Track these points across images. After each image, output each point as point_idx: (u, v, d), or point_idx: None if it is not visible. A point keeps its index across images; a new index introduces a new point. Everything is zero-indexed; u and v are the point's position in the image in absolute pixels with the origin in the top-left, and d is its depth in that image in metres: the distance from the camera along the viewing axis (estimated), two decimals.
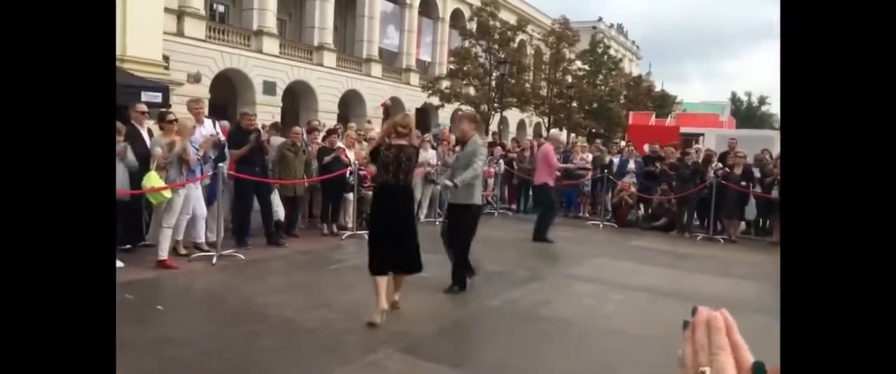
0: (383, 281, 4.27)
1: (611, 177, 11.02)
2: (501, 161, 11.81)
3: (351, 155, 8.26)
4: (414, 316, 4.52)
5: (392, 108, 28.76)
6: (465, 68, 25.08)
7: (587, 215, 11.65)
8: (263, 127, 8.07)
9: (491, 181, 11.64)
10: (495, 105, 24.74)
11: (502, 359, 3.85)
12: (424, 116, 28.76)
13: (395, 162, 4.31)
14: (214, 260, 5.93)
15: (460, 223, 5.22)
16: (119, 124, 5.59)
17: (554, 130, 9.59)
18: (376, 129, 10.50)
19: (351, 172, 7.91)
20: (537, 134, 31.13)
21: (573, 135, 29.96)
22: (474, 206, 5.25)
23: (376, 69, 28.12)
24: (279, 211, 7.28)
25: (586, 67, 31.92)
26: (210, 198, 6.34)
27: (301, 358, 3.68)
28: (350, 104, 27.18)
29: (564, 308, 5.14)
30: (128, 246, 6.04)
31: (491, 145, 13.00)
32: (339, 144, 8.15)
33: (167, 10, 16.90)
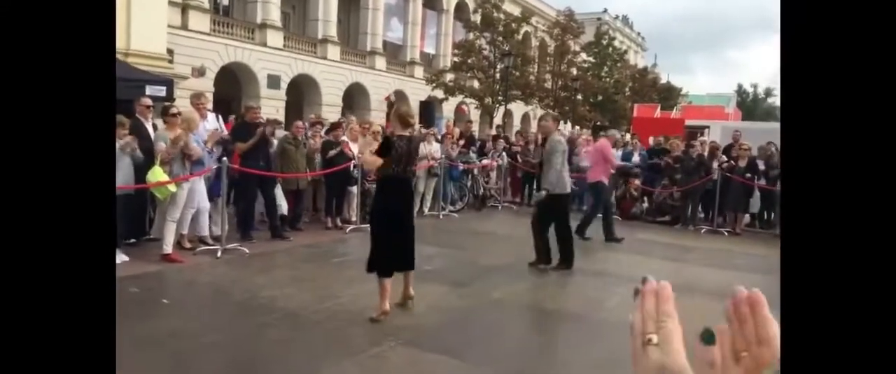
0: (390, 283, 4.24)
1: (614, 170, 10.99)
2: (505, 154, 11.80)
3: (355, 148, 8.27)
4: (418, 309, 4.54)
5: (396, 101, 28.77)
6: (469, 61, 25.00)
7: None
8: (267, 121, 8.08)
9: (493, 175, 11.64)
10: (499, 98, 24.68)
11: (507, 352, 3.87)
12: (428, 109, 28.72)
13: (407, 154, 4.31)
14: (219, 254, 5.97)
15: (557, 210, 6.08)
16: (123, 118, 5.60)
17: (612, 130, 9.69)
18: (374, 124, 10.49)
19: (355, 166, 7.92)
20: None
21: (577, 127, 29.85)
22: (564, 195, 6.13)
23: (380, 62, 28.07)
24: (282, 205, 7.31)
25: (591, 59, 31.77)
26: (214, 192, 6.37)
27: (307, 350, 3.71)
28: (354, 97, 27.16)
29: (569, 301, 5.16)
30: (132, 240, 6.08)
31: (494, 139, 13.00)
32: (344, 137, 8.16)
33: (171, 3, 16.89)
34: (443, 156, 9.85)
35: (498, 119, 25.01)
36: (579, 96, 29.29)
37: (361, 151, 8.30)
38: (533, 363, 3.73)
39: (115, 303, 0.25)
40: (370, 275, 5.23)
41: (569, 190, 6.30)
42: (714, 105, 24.93)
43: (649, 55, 58.14)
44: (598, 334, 4.34)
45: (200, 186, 6.09)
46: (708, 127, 16.11)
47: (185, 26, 19.56)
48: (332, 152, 7.82)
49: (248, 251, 6.21)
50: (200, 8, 20.28)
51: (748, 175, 9.39)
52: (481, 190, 11.20)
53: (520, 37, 27.11)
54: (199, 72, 19.41)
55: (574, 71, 28.87)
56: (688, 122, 17.41)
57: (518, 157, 11.98)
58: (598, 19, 43.94)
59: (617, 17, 52.52)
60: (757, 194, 9.72)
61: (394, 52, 29.91)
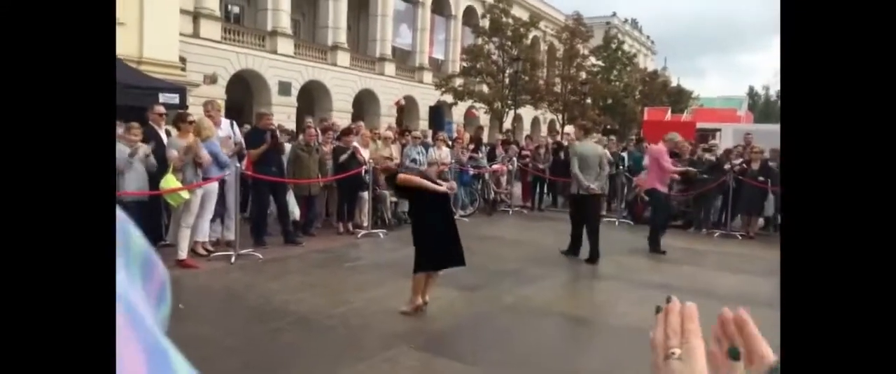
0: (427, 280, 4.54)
1: (626, 174, 10.96)
2: (515, 159, 11.80)
3: (366, 154, 8.32)
4: (429, 313, 4.55)
5: (405, 106, 28.89)
6: (478, 66, 25.05)
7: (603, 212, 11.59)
8: (279, 128, 8.17)
9: (503, 179, 11.64)
10: (509, 102, 24.69)
11: (517, 356, 3.87)
12: (438, 114, 28.77)
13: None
14: (233, 259, 6.03)
15: (589, 209, 6.96)
16: (137, 126, 5.69)
17: (673, 133, 8.79)
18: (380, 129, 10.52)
19: (366, 171, 7.96)
20: (552, 131, 31.01)
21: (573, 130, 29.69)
22: (593, 195, 6.94)
23: (390, 68, 28.21)
24: (295, 211, 7.37)
25: (600, 62, 31.70)
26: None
27: (320, 355, 3.74)
28: (364, 103, 27.31)
29: (580, 306, 5.15)
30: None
31: (505, 143, 13.00)
32: (355, 143, 8.21)
33: (183, 11, 17.11)
34: (453, 161, 9.88)
35: (507, 123, 25.02)
36: (589, 100, 29.21)
37: (373, 155, 8.39)
38: (544, 368, 3.72)
39: (115, 310, 0.26)
40: (382, 279, 5.28)
41: (598, 191, 7.08)
42: (726, 108, 24.76)
43: (659, 58, 57.95)
44: (610, 339, 4.32)
45: (214, 191, 6.15)
46: (720, 130, 16.01)
47: (196, 34, 19.79)
48: (344, 157, 7.87)
49: (261, 257, 6.26)
50: (212, 16, 20.52)
51: (761, 178, 9.32)
52: (492, 195, 11.21)
53: (528, 41, 27.12)
54: (211, 79, 19.62)
55: (583, 75, 28.82)
56: (699, 125, 17.30)
57: (528, 161, 11.97)
58: (607, 23, 43.87)
59: (626, 20, 52.41)
60: (770, 196, 9.63)
61: (403, 58, 30.05)
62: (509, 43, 24.79)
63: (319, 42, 25.50)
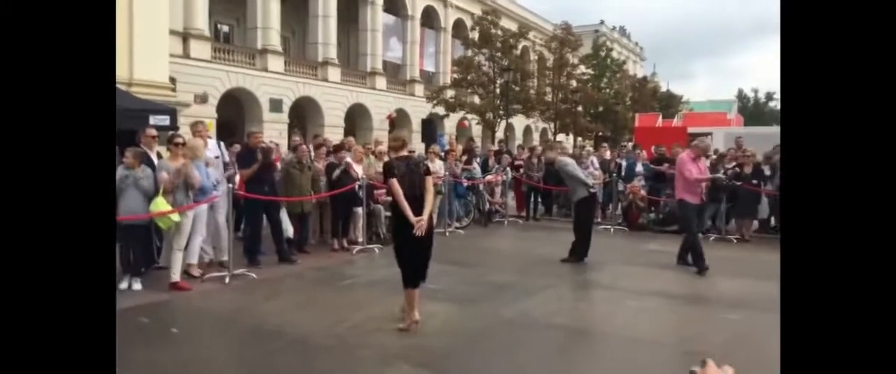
0: (415, 293, 4.48)
1: (621, 180, 10.98)
2: (508, 169, 11.79)
3: (359, 169, 8.28)
4: (428, 329, 4.50)
5: (397, 119, 28.91)
6: (468, 77, 25.16)
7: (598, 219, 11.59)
8: (273, 143, 8.10)
9: (498, 190, 11.62)
10: (501, 113, 24.77)
11: (518, 371, 3.82)
12: (430, 126, 28.79)
13: (408, 174, 4.40)
14: (227, 280, 5.96)
15: (581, 212, 7.49)
16: (132, 151, 5.65)
17: (700, 137, 8.30)
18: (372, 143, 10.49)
19: (360, 187, 7.92)
20: (544, 140, 31.09)
21: (580, 139, 29.91)
22: (581, 199, 7.40)
23: (381, 82, 28.28)
24: (288, 229, 7.31)
25: (590, 70, 31.92)
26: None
27: None
28: (356, 118, 27.32)
29: (579, 317, 5.10)
30: (141, 269, 6.08)
31: (498, 154, 13.00)
32: (348, 158, 8.18)
33: (173, 32, 17.09)
34: (447, 173, 9.86)
35: (500, 133, 25.08)
36: (580, 108, 29.37)
37: (366, 171, 8.35)
38: None
39: (115, 329, 0.24)
40: (378, 296, 5.23)
41: (582, 195, 7.41)
42: (716, 112, 24.94)
43: (648, 64, 58.42)
44: (610, 350, 4.28)
45: (203, 213, 6.09)
46: (711, 134, 16.09)
47: (187, 55, 19.78)
48: (337, 173, 7.83)
49: (255, 276, 6.19)
50: (202, 36, 20.53)
51: (754, 181, 9.34)
52: (487, 205, 11.18)
53: (518, 52, 27.30)
54: (202, 99, 19.59)
55: (574, 83, 29.00)
56: (690, 129, 17.40)
57: (522, 171, 11.97)
58: (596, 31, 44.27)
59: (614, 28, 52.87)
60: (764, 199, 9.66)
61: (394, 72, 30.14)
62: (499, 54, 24.94)
63: (310, 58, 25.55)
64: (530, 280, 6.29)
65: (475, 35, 25.87)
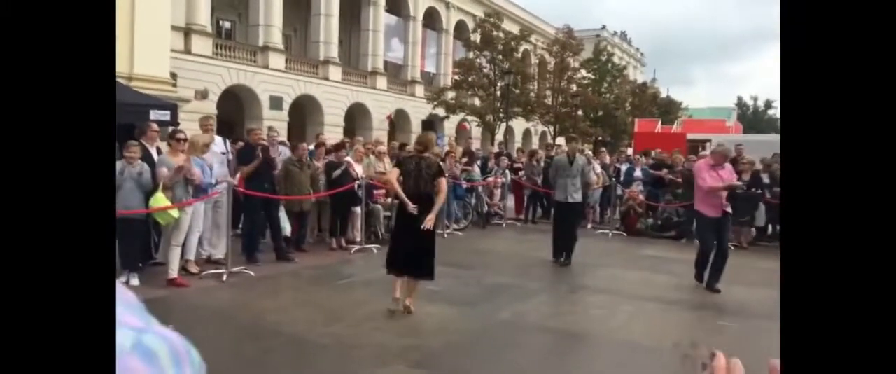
0: (396, 281, 4.86)
1: (620, 184, 11.00)
2: (508, 172, 11.81)
3: (359, 169, 8.29)
4: (424, 329, 4.51)
5: (397, 120, 28.93)
6: (469, 79, 25.18)
7: (593, 224, 11.60)
8: (277, 140, 8.06)
9: (497, 192, 11.63)
10: (500, 115, 24.80)
11: (513, 373, 3.83)
12: (430, 127, 28.78)
13: (416, 171, 4.76)
14: (225, 277, 5.95)
15: (567, 216, 7.63)
16: (135, 144, 5.66)
17: (720, 140, 7.65)
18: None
19: (359, 186, 7.93)
20: (544, 143, 31.13)
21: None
22: (568, 203, 7.56)
23: (382, 82, 28.29)
24: (286, 227, 7.31)
25: (591, 75, 31.97)
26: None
27: None
28: (356, 117, 27.32)
29: (575, 320, 5.11)
30: (139, 265, 6.08)
31: (497, 156, 13.02)
32: (348, 158, 8.18)
33: (174, 27, 17.10)
34: (446, 174, 9.86)
35: (499, 136, 25.10)
36: (580, 112, 29.40)
37: (366, 170, 8.36)
38: None
39: (115, 328, 0.25)
40: (375, 296, 5.26)
41: (571, 200, 7.54)
42: (715, 119, 25.01)
43: (648, 70, 58.53)
44: (606, 353, 4.29)
45: (201, 209, 6.09)
46: (710, 140, 16.13)
47: (188, 50, 19.78)
48: (337, 172, 7.83)
49: (253, 274, 6.19)
50: (203, 32, 20.52)
51: (753, 189, 9.36)
52: (485, 207, 11.19)
53: (519, 55, 27.33)
54: (202, 95, 19.58)
55: (574, 87, 29.03)
56: (689, 136, 17.46)
57: (521, 173, 11.98)
58: (597, 36, 44.32)
59: (615, 33, 52.97)
60: (762, 207, 9.68)
61: (395, 72, 30.16)
62: (500, 56, 24.97)
63: (311, 57, 25.55)
64: (527, 283, 6.30)
65: (477, 37, 25.89)
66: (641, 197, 10.79)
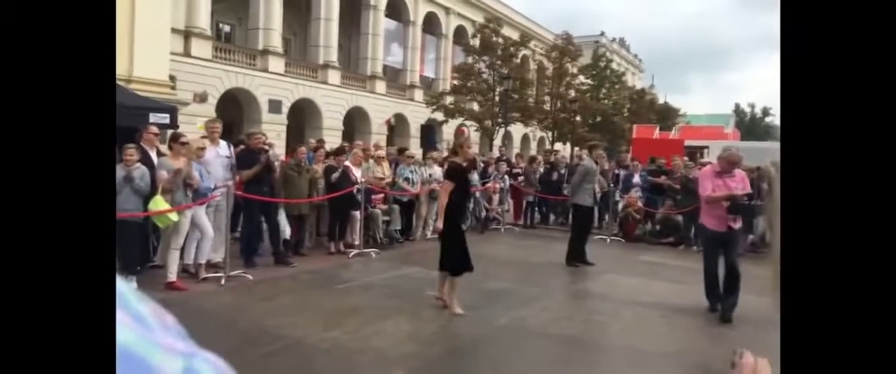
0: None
1: (618, 190, 11.01)
2: (506, 177, 11.82)
3: (357, 173, 8.28)
4: (424, 335, 4.50)
5: (396, 124, 28.94)
6: (468, 84, 25.22)
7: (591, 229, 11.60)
8: (271, 145, 8.09)
9: (496, 197, 11.64)
10: (499, 120, 24.83)
11: None
12: (429, 132, 28.80)
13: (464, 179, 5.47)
14: (223, 281, 5.94)
15: (576, 219, 8.14)
16: (133, 147, 5.64)
17: (727, 146, 6.24)
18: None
19: (358, 190, 7.93)
20: (542, 148, 31.17)
21: (577, 148, 29.99)
22: (578, 206, 8.05)
23: (380, 86, 28.32)
24: (286, 230, 7.30)
25: (589, 81, 32.06)
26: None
27: None
28: (355, 121, 27.33)
29: (575, 326, 5.11)
30: (137, 268, 6.06)
31: (496, 161, 13.03)
32: (346, 162, 8.18)
33: (174, 30, 17.10)
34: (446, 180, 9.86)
35: (498, 141, 25.12)
36: (578, 118, 29.46)
37: (365, 174, 8.36)
38: None
39: (115, 329, 0.25)
40: (375, 300, 5.26)
41: (583, 203, 7.94)
42: (713, 125, 25.08)
43: (646, 76, 58.69)
44: (606, 359, 4.29)
45: (202, 213, 6.08)
46: (707, 147, 16.18)
47: (187, 53, 19.78)
48: (336, 176, 7.83)
49: (251, 278, 6.18)
50: (203, 35, 20.53)
51: (753, 201, 9.37)
52: (484, 213, 11.19)
53: (518, 60, 27.38)
54: (201, 97, 19.56)
55: (572, 93, 29.10)
56: (687, 142, 17.49)
57: (520, 179, 11.99)
58: (596, 42, 44.47)
59: (614, 39, 53.14)
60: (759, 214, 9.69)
61: (394, 76, 30.20)
62: (499, 62, 25.02)
63: (310, 60, 25.57)
64: (526, 288, 6.30)
65: (476, 42, 25.95)
66: (640, 203, 10.81)
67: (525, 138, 36.81)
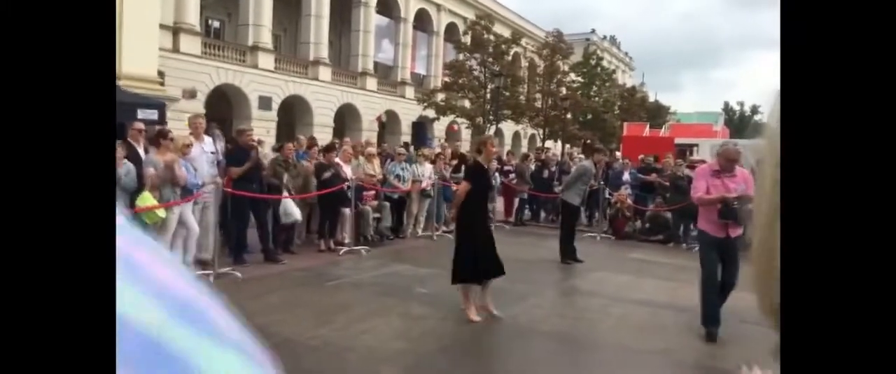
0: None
1: (607, 188, 11.06)
2: (497, 174, 11.82)
3: (348, 170, 8.25)
4: (416, 333, 4.49)
5: (387, 121, 28.88)
6: (460, 81, 25.21)
7: (581, 227, 11.65)
8: (260, 142, 8.04)
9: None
10: (490, 118, 24.85)
11: None
12: (420, 129, 28.77)
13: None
14: (212, 278, 5.90)
15: (564, 217, 8.29)
16: (119, 143, 5.59)
17: (725, 141, 6.08)
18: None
19: (348, 188, 7.90)
20: (533, 146, 31.24)
21: (568, 146, 30.10)
22: (566, 204, 8.17)
23: (371, 83, 28.23)
24: (295, 214, 7.26)
25: (580, 78, 32.15)
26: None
27: None
28: (345, 118, 27.24)
29: (565, 323, 5.13)
30: None
31: None
32: (337, 159, 8.15)
33: (163, 26, 16.94)
34: (436, 176, 9.86)
35: None
36: (569, 115, 29.55)
37: (355, 171, 8.33)
38: None
39: (116, 328, 0.24)
40: (365, 298, 5.23)
41: (571, 202, 8.07)
42: (702, 123, 25.24)
43: (637, 74, 58.98)
44: (596, 356, 4.31)
45: (188, 210, 6.03)
46: (697, 145, 16.29)
47: (176, 49, 19.60)
48: (328, 174, 7.79)
49: (240, 275, 6.14)
50: (192, 31, 20.36)
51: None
52: None
53: (510, 57, 27.40)
54: (190, 94, 19.41)
55: (563, 90, 29.18)
56: (677, 140, 17.60)
57: (512, 176, 12.01)
58: (587, 40, 44.61)
59: (605, 37, 53.32)
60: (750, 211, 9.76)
61: (385, 73, 30.11)
62: (491, 59, 25.02)
63: (301, 57, 25.44)
64: (517, 286, 6.30)
65: (467, 39, 25.94)
66: (629, 201, 10.86)
67: (516, 136, 36.87)
